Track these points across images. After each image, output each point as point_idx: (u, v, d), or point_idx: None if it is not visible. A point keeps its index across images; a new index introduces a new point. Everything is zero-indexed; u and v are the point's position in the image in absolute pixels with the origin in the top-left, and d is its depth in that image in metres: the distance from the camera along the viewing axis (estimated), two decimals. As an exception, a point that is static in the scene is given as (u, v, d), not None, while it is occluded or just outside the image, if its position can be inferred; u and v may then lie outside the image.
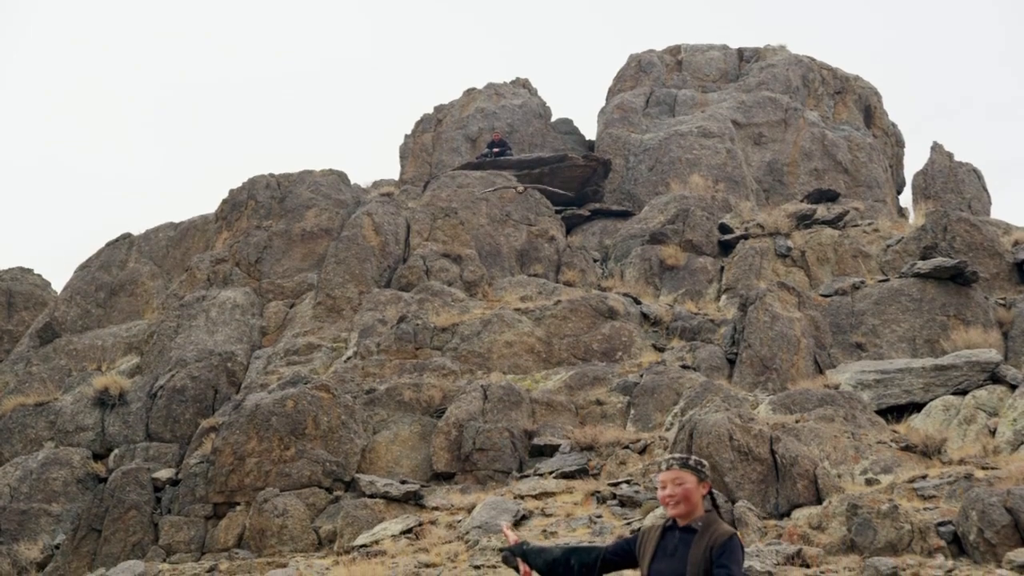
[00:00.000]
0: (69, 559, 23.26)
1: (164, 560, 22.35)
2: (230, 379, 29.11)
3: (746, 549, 15.86)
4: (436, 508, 21.16)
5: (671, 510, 7.45)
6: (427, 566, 17.61)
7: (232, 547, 22.28)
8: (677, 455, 7.66)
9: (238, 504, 22.99)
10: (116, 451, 27.38)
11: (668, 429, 21.91)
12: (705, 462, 7.58)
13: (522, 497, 20.25)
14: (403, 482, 22.54)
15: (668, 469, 7.50)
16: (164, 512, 23.68)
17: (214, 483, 23.31)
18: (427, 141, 45.84)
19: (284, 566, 19.90)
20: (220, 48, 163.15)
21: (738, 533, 7.57)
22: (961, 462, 19.29)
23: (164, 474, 24.71)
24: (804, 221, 33.74)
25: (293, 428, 23.35)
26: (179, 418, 27.74)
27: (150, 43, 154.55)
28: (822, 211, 34.54)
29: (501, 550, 8.42)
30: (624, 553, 7.71)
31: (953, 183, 42.00)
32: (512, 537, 8.10)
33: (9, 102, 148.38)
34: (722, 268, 33.03)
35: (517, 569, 7.99)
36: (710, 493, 7.55)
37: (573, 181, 39.77)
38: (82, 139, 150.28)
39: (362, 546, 19.72)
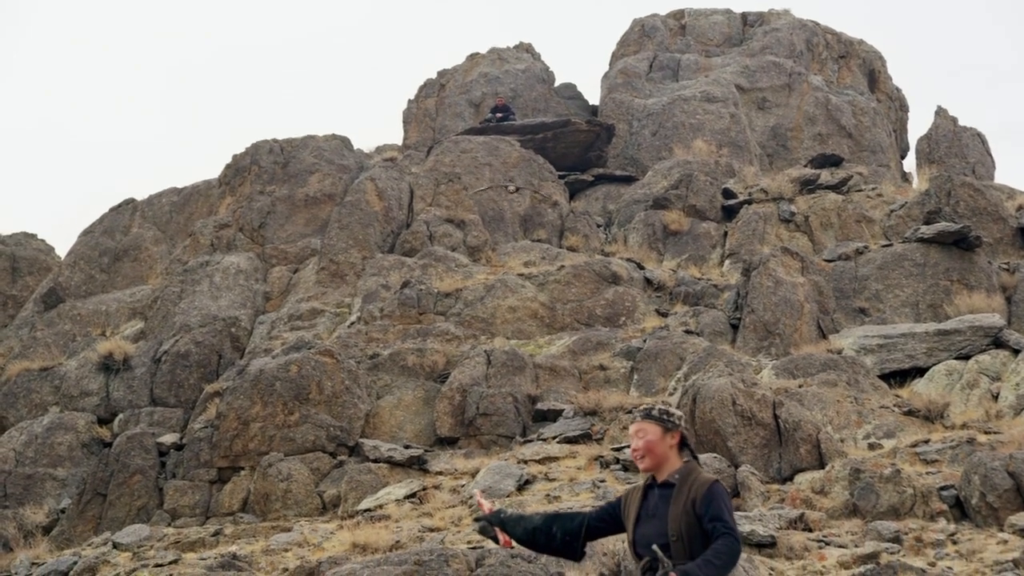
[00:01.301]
0: (75, 523, 23.36)
1: (169, 524, 22.43)
2: (234, 344, 29.16)
3: (748, 514, 15.92)
4: (440, 473, 21.22)
5: (640, 465, 7.10)
6: (431, 530, 17.68)
7: (237, 511, 22.37)
8: (643, 407, 7.26)
9: (242, 469, 23.07)
10: (121, 416, 27.45)
11: (671, 394, 21.95)
12: (674, 411, 7.10)
13: (525, 462, 20.31)
14: (407, 447, 22.61)
15: (634, 422, 7.12)
16: (169, 477, 23.76)
17: (218, 448, 23.39)
18: (430, 106, 45.75)
19: (288, 530, 19.97)
20: (224, 13, 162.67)
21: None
22: (964, 426, 19.33)
23: (169, 439, 24.78)
24: (808, 186, 33.69)
25: (297, 393, 23.41)
26: (183, 383, 27.80)
27: (155, 8, 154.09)
28: (826, 176, 34.49)
29: (476, 519, 7.72)
30: (610, 518, 7.27)
31: (957, 147, 41.91)
32: (486, 505, 7.62)
33: (13, 65, 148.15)
34: (725, 233, 33.01)
35: (495, 539, 7.47)
36: (683, 443, 7.04)
37: (576, 146, 39.70)
38: (85, 104, 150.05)
39: (366, 510, 19.78)
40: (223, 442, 23.37)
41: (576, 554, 7.34)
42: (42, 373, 29.46)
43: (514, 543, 7.38)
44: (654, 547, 6.50)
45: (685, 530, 6.67)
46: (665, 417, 7.02)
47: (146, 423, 26.48)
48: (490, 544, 15.74)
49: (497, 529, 7.41)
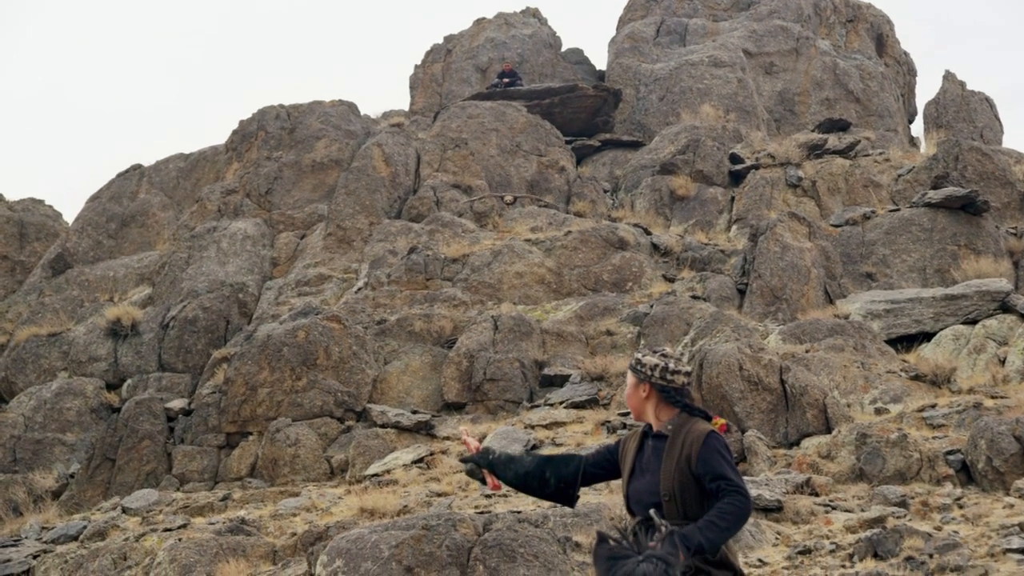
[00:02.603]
0: (84, 488, 23.46)
1: (178, 489, 22.53)
2: (241, 310, 29.21)
3: (755, 478, 15.97)
4: (447, 438, 21.29)
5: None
6: (438, 495, 17.74)
7: (245, 476, 22.45)
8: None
9: (250, 434, 23.14)
10: (129, 381, 27.54)
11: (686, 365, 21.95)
12: (648, 360, 6.64)
13: (532, 427, 20.37)
14: (414, 412, 22.67)
15: None
16: (177, 442, 23.84)
17: (226, 413, 23.46)
18: (437, 71, 45.62)
19: (297, 495, 20.05)
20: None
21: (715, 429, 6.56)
22: (970, 391, 19.35)
23: (177, 404, 24.86)
24: (815, 151, 33.62)
25: (304, 359, 23.46)
26: (191, 349, 27.87)
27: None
28: (833, 141, 34.41)
29: (463, 460, 7.25)
30: (607, 463, 6.91)
31: (965, 112, 41.81)
32: (473, 444, 7.20)
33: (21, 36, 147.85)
34: (732, 198, 32.96)
35: (483, 481, 7.07)
36: (669, 396, 6.59)
37: (583, 111, 39.61)
38: (91, 71, 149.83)
39: (374, 475, 19.85)
40: (231, 407, 23.44)
41: (570, 500, 7.03)
42: (50, 339, 29.54)
43: (503, 486, 7.03)
44: (651, 512, 6.10)
45: (678, 489, 6.33)
46: (637, 367, 6.70)
47: (154, 388, 26.56)
48: (498, 508, 15.79)
49: (485, 471, 7.05)
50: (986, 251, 26.88)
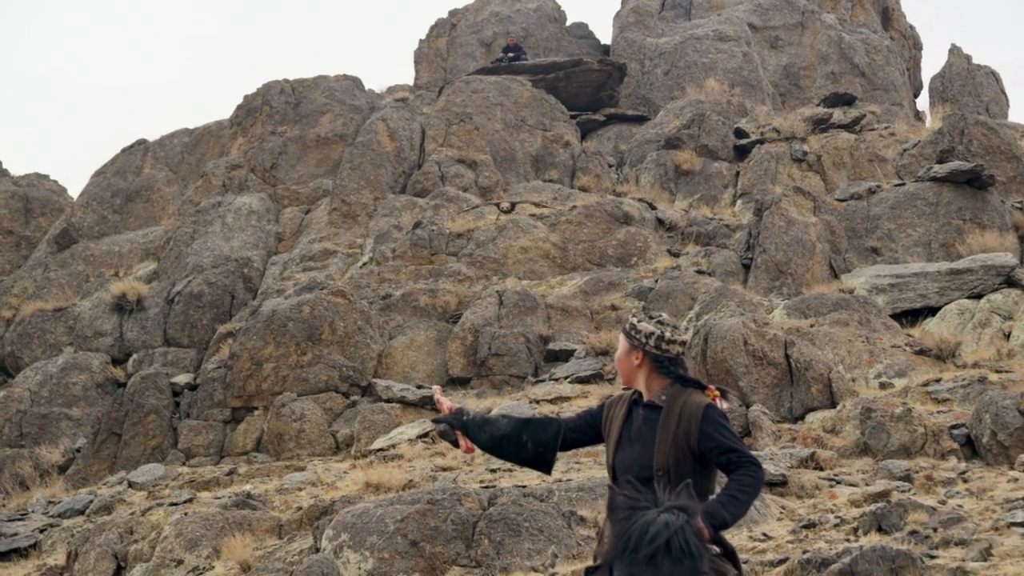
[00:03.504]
0: (90, 462, 23.53)
1: (183, 463, 22.60)
2: (246, 285, 29.24)
3: (760, 453, 15.99)
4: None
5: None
6: (443, 470, 17.78)
7: (250, 451, 22.52)
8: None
9: (256, 409, 23.19)
10: (134, 356, 27.59)
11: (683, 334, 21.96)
12: (644, 327, 6.35)
13: (537, 402, 20.39)
14: (419, 387, 22.71)
15: None
16: (183, 416, 23.90)
17: (232, 388, 23.51)
18: (441, 46, 45.52)
19: (302, 470, 20.10)
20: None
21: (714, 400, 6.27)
22: (975, 365, 19.35)
23: (182, 379, 24.91)
24: (820, 125, 33.56)
25: (310, 333, 23.49)
26: (196, 324, 27.91)
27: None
28: (838, 115, 34.33)
29: (435, 420, 6.87)
30: (589, 429, 6.60)
31: (971, 86, 41.70)
32: (446, 405, 6.86)
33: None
34: (737, 173, 32.92)
35: (455, 443, 6.74)
36: (663, 366, 6.31)
37: (588, 86, 39.54)
38: (96, 46, 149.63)
39: (379, 450, 19.89)
40: (236, 382, 23.48)
41: (547, 466, 6.69)
42: (56, 313, 29.59)
43: (476, 449, 6.73)
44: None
45: (673, 464, 6.03)
46: (632, 333, 6.39)
47: (160, 363, 26.61)
48: (503, 483, 15.83)
49: (458, 433, 6.73)
50: (991, 225, 26.84)
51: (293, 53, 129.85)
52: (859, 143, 32.40)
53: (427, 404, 21.76)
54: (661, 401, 6.23)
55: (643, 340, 6.31)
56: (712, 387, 6.35)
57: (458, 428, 6.71)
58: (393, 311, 25.16)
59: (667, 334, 6.31)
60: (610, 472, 6.39)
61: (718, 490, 6.08)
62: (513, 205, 28.01)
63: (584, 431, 6.62)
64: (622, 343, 6.44)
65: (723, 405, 6.26)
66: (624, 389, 6.62)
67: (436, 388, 7.20)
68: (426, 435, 20.10)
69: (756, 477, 5.95)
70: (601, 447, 6.64)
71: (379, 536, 13.85)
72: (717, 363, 18.63)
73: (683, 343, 6.36)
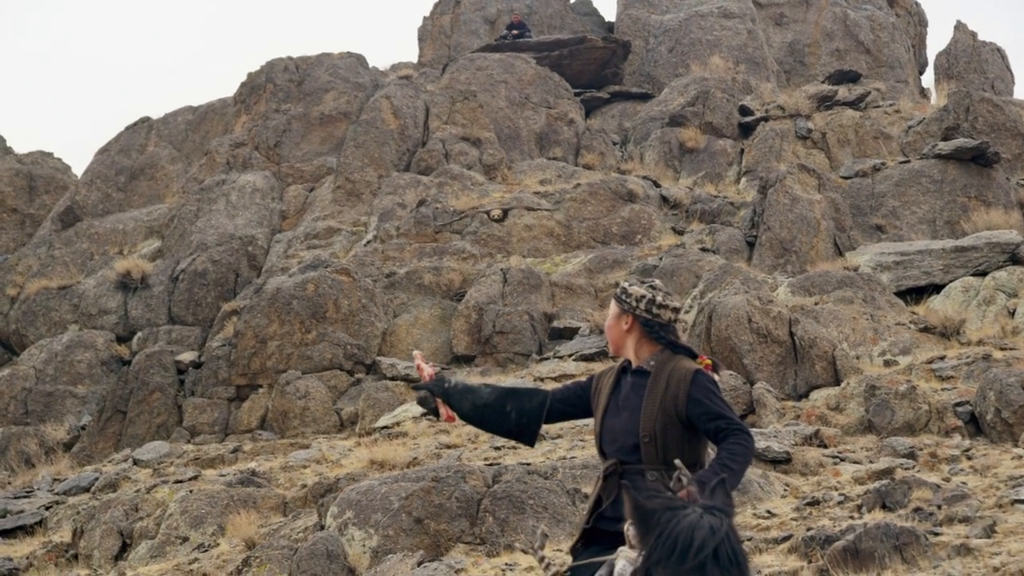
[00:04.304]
0: (95, 440, 23.59)
1: (188, 441, 22.65)
2: (251, 263, 29.24)
3: (764, 430, 16.01)
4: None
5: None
6: (448, 447, 17.81)
7: (255, 429, 22.56)
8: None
9: (260, 386, 23.23)
10: (139, 334, 27.62)
11: (687, 312, 21.99)
12: (635, 290, 6.17)
13: (542, 379, 20.41)
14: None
15: None
16: (188, 394, 23.95)
17: (236, 366, 23.54)
18: (445, 23, 45.40)
19: (307, 447, 20.14)
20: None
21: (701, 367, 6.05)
22: (979, 343, 19.35)
23: (187, 357, 24.94)
24: (825, 103, 33.49)
25: (314, 311, 23.51)
26: (201, 301, 27.92)
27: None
28: (843, 92, 34.26)
29: (415, 387, 6.68)
30: (577, 400, 6.38)
31: (976, 63, 41.57)
32: (427, 371, 6.56)
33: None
34: (742, 150, 32.87)
35: (436, 413, 6.51)
36: (654, 332, 6.12)
37: (592, 63, 39.45)
38: (99, 23, 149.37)
39: (384, 428, 19.93)
40: (241, 360, 23.52)
41: (531, 437, 6.48)
42: (60, 291, 29.61)
43: (458, 418, 6.45)
44: (677, 462, 5.42)
45: (660, 430, 5.87)
46: (622, 297, 6.20)
47: (164, 341, 26.63)
48: (507, 460, 15.85)
49: (439, 401, 6.45)
50: (996, 203, 26.80)
51: (297, 30, 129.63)
52: (864, 120, 32.35)
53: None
54: (650, 367, 6.06)
55: (634, 304, 6.13)
56: (703, 356, 6.20)
57: (439, 396, 6.44)
58: (397, 289, 25.17)
59: (658, 298, 6.12)
60: (597, 441, 6.24)
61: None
62: (505, 212, 27.42)
63: (572, 402, 6.42)
64: (612, 308, 6.26)
65: (714, 377, 6.10)
66: (612, 359, 6.53)
67: (416, 353, 6.93)
68: (430, 413, 20.09)
69: (747, 445, 5.76)
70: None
71: (384, 513, 13.89)
72: (721, 341, 18.63)
73: (675, 309, 6.17)
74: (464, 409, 6.39)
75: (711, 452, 6.03)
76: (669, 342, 6.11)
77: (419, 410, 20.19)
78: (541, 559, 5.95)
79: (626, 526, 5.41)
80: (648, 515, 4.30)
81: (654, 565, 4.20)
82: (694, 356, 6.13)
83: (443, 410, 6.41)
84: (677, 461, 5.45)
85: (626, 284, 6.25)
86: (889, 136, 31.75)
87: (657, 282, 6.28)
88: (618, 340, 6.24)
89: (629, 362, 6.21)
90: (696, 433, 5.92)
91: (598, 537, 5.99)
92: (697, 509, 4.23)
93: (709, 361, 6.14)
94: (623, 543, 5.54)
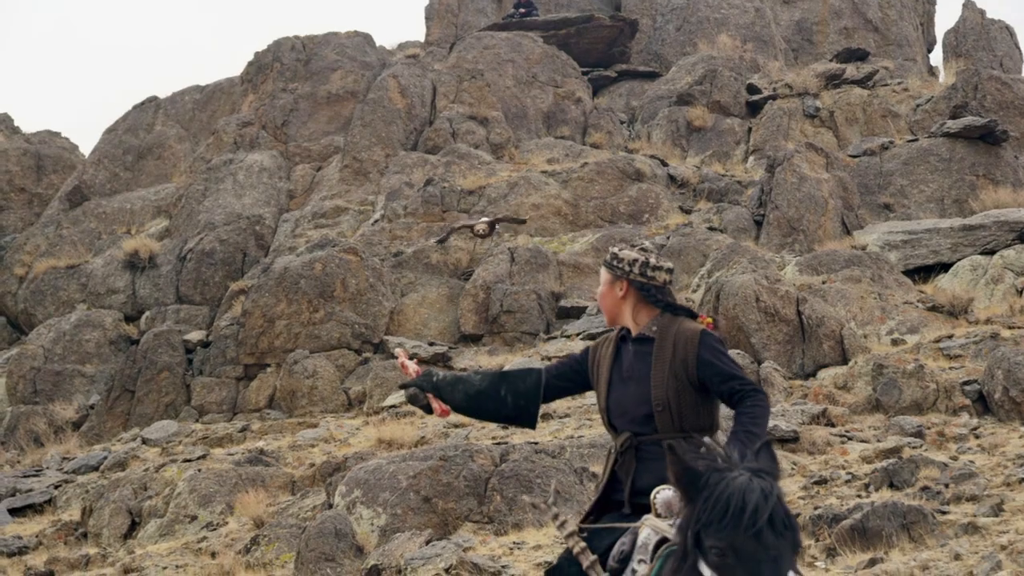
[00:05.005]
0: (104, 419, 23.65)
1: (197, 420, 22.71)
2: (258, 242, 29.25)
3: (772, 409, 16.01)
4: (464, 370, 21.35)
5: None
6: (455, 426, 17.84)
7: (263, 408, 22.61)
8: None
9: (268, 366, 23.27)
10: (147, 313, 27.65)
11: (694, 291, 21.99)
12: (626, 254, 5.94)
13: (549, 358, 20.42)
14: (431, 344, 22.75)
15: None
16: (196, 373, 23.99)
17: (244, 345, 23.57)
18: (452, 2, 45.27)
19: (315, 426, 20.19)
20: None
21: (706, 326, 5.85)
22: (988, 321, 19.32)
23: (195, 336, 24.99)
24: (833, 81, 33.41)
25: (322, 291, 23.53)
26: (208, 281, 27.95)
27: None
28: (851, 71, 34.17)
29: (402, 386, 6.35)
30: (574, 375, 6.14)
31: (985, 41, 41.44)
32: (411, 368, 6.37)
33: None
34: (750, 129, 32.82)
35: (427, 409, 6.25)
36: (651, 295, 5.87)
37: (600, 42, 39.37)
38: (107, 3, 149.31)
39: (391, 407, 19.97)
40: (249, 339, 23.55)
41: (531, 420, 6.22)
42: (68, 271, 29.65)
43: (451, 412, 6.21)
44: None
45: (673, 397, 5.63)
46: (613, 263, 5.97)
47: (172, 320, 26.68)
48: (515, 439, 15.88)
49: (430, 396, 6.20)
50: (1005, 181, 26.73)
51: (303, 9, 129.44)
52: (872, 99, 32.27)
53: (439, 362, 21.80)
54: (652, 332, 5.81)
55: (627, 268, 5.90)
56: (703, 315, 6.05)
57: (429, 391, 6.20)
58: (405, 268, 25.18)
59: (651, 260, 5.89)
60: (603, 416, 5.97)
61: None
62: (492, 226, 25.69)
63: (569, 377, 6.18)
64: (604, 277, 6.03)
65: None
66: (607, 330, 6.37)
67: (399, 351, 6.71)
68: (421, 409, 20.09)
69: (764, 406, 5.57)
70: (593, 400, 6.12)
71: (392, 492, 13.92)
72: (729, 320, 18.64)
73: (669, 270, 5.96)
74: (457, 400, 6.15)
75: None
76: (668, 304, 5.88)
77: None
78: (555, 516, 5.69)
79: (653, 494, 5.32)
80: (695, 477, 4.24)
81: (704, 528, 4.14)
82: (694, 316, 5.93)
83: (435, 405, 6.18)
84: (707, 439, 5.07)
85: (616, 249, 6.02)
86: (897, 115, 31.68)
87: (647, 243, 6.09)
88: (613, 309, 6.00)
89: (627, 330, 5.95)
90: (708, 396, 5.72)
91: (616, 507, 5.79)
92: (744, 472, 4.20)
93: (710, 319, 6.02)
94: (645, 513, 5.42)
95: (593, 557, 5.40)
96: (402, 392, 6.84)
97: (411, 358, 6.64)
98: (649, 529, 5.27)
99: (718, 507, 4.11)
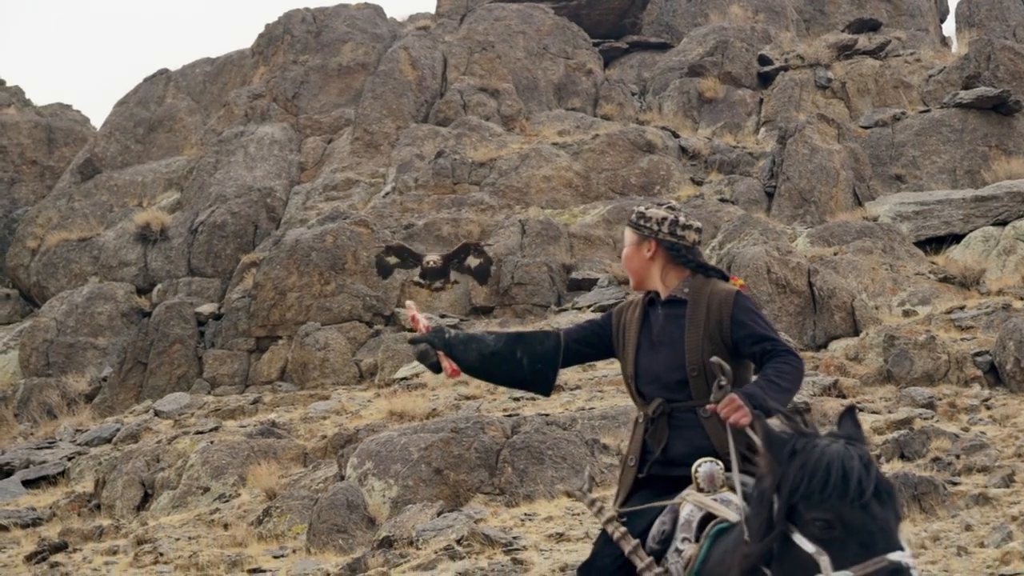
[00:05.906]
0: (116, 391, 23.74)
1: (209, 392, 22.77)
2: (269, 214, 29.26)
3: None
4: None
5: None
6: (467, 398, 17.88)
7: (275, 380, 22.67)
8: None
9: (280, 338, 23.31)
10: (159, 286, 27.69)
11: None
12: (654, 213, 5.62)
13: (560, 330, 20.40)
14: (442, 316, 22.76)
15: None
16: (208, 346, 24.05)
17: (256, 317, 23.62)
18: (463, -27, 45.19)
19: (326, 398, 20.24)
20: None
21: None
22: (999, 293, 19.31)
23: (207, 308, 25.04)
24: (845, 52, 33.29)
25: (333, 263, 23.55)
26: (220, 253, 27.97)
27: None
28: (863, 41, 34.04)
29: (412, 340, 5.85)
30: (596, 339, 5.80)
31: (998, 10, 41.21)
32: (422, 323, 5.89)
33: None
34: (761, 100, 32.74)
35: (436, 367, 5.80)
36: (679, 255, 5.58)
37: (611, 13, 39.24)
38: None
39: (403, 379, 20.00)
40: (260, 312, 23.60)
41: (547, 386, 5.84)
42: (80, 243, 29.69)
43: (462, 372, 5.78)
44: (715, 359, 4.95)
45: (708, 361, 5.19)
46: (640, 223, 5.63)
47: (184, 293, 26.71)
48: (526, 411, 15.90)
49: (440, 354, 5.76)
50: (1017, 152, 26.66)
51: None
52: (884, 69, 32.16)
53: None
54: (684, 294, 5.51)
55: (655, 228, 5.58)
56: (734, 276, 5.78)
57: (440, 348, 5.74)
58: (416, 240, 25.18)
59: (680, 219, 5.60)
60: (631, 383, 5.60)
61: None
62: (479, 245, 24.09)
63: (590, 343, 5.82)
64: (629, 238, 5.69)
65: None
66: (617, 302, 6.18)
67: (410, 303, 6.08)
68: (430, 368, 20.11)
69: (796, 367, 5.21)
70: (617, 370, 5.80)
71: (403, 464, 13.96)
72: (651, 208, 18.59)
73: (698, 230, 5.66)
74: (469, 360, 5.73)
75: None
76: (699, 264, 5.60)
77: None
78: (592, 502, 5.43)
79: (695, 467, 5.09)
80: (780, 443, 4.08)
81: (802, 499, 3.96)
82: (726, 278, 5.65)
83: (445, 364, 5.74)
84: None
85: (642, 208, 5.70)
86: (909, 85, 31.57)
87: (674, 202, 5.84)
88: (641, 270, 5.65)
89: (656, 293, 5.62)
90: (742, 361, 5.43)
91: (648, 484, 5.48)
92: (835, 438, 4.04)
93: (742, 281, 5.71)
94: (681, 488, 5.20)
95: (635, 542, 5.14)
96: (414, 362, 6.69)
97: None
98: (692, 505, 5.06)
99: (817, 477, 3.93)
